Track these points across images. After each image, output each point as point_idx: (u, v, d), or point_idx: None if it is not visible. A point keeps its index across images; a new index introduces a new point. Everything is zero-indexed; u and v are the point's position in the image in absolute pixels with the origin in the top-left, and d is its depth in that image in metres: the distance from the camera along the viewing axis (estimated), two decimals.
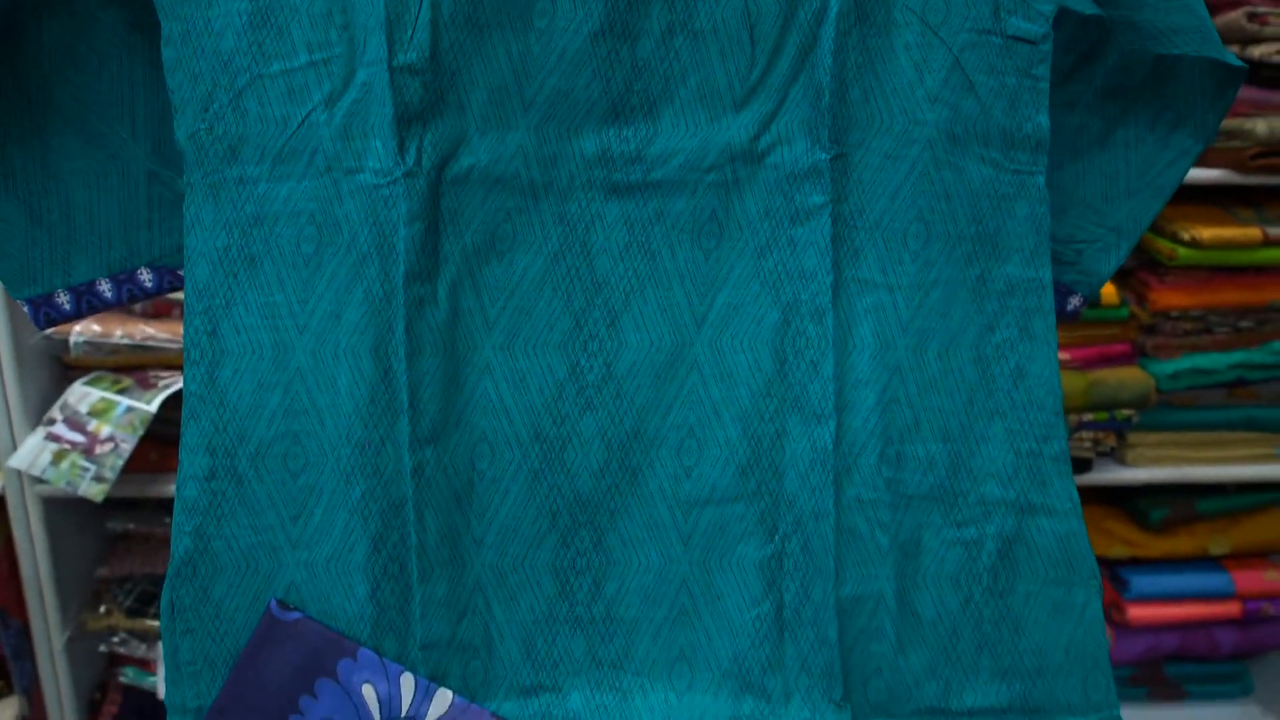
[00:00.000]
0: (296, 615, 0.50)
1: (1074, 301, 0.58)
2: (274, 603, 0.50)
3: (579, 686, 0.50)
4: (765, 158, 0.48)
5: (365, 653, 0.49)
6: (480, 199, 0.49)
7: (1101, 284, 0.58)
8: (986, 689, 0.48)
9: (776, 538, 0.49)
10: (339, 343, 0.49)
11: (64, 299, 0.55)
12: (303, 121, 0.48)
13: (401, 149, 0.47)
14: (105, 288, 0.56)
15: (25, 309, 0.55)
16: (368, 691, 0.49)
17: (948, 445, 0.49)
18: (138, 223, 0.56)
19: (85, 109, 0.54)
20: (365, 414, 0.49)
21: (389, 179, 0.47)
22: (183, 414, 0.50)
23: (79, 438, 0.95)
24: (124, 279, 0.56)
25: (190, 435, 0.50)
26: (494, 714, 0.49)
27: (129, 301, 0.58)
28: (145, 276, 0.57)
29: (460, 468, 0.50)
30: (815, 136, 0.47)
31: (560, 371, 0.50)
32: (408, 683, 0.49)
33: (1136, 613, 1.21)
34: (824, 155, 0.47)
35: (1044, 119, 0.48)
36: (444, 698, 0.49)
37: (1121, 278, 1.13)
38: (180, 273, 0.58)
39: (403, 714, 0.49)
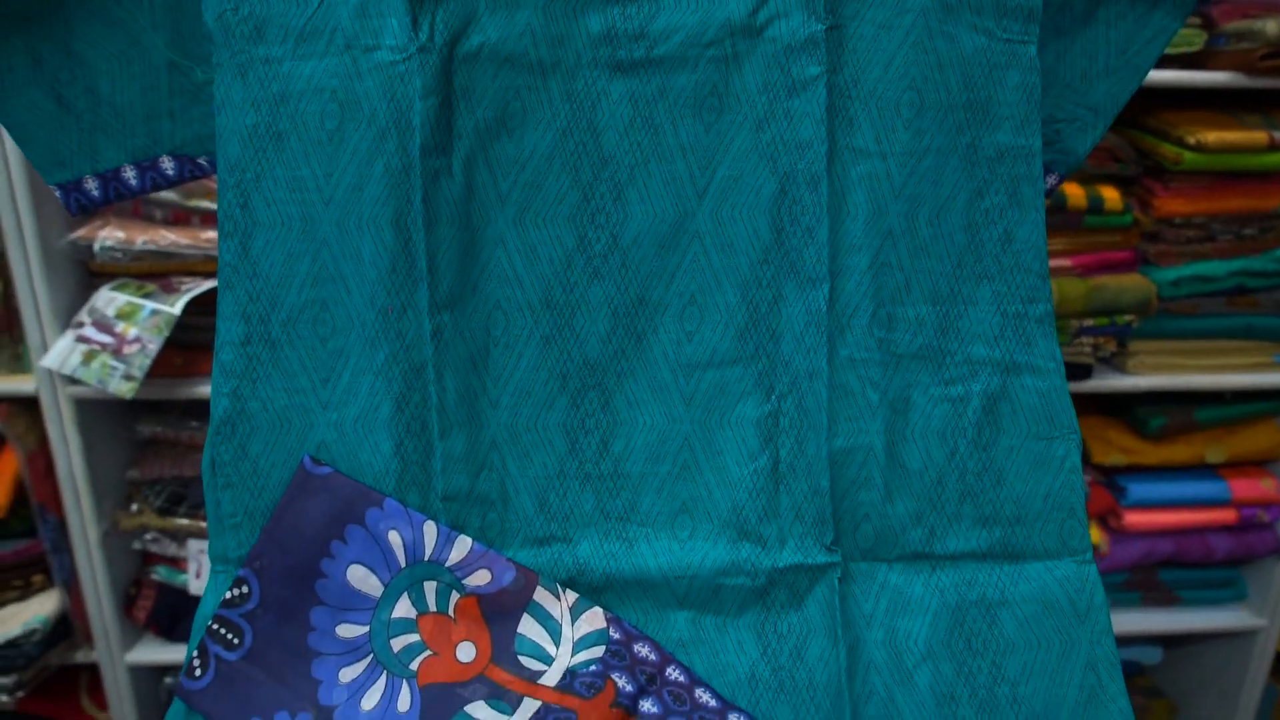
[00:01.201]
0: (327, 470, 0.54)
1: (1050, 180, 0.60)
2: (307, 459, 0.54)
3: (588, 537, 0.54)
4: (763, 31, 0.50)
5: (391, 503, 0.53)
6: (491, 76, 0.51)
7: (1079, 163, 0.60)
8: (968, 535, 0.52)
9: (773, 397, 0.52)
10: (361, 214, 0.51)
11: (92, 185, 0.58)
12: (322, 1, 0.50)
13: (415, 26, 0.49)
14: (130, 174, 0.58)
15: (57, 194, 0.58)
16: (394, 537, 0.53)
17: (937, 307, 0.51)
18: (159, 112, 0.57)
19: None
20: (387, 281, 0.52)
21: (404, 55, 0.49)
22: (218, 283, 0.53)
23: (107, 339, 0.99)
24: (147, 166, 0.59)
25: (226, 303, 0.53)
26: (510, 559, 0.53)
27: (152, 189, 0.60)
28: (167, 164, 0.59)
29: (476, 333, 0.53)
30: (811, 8, 0.49)
31: (569, 242, 0.52)
32: (430, 530, 0.53)
33: (1133, 519, 1.25)
34: (819, 26, 0.49)
35: None
36: (464, 544, 0.53)
37: (1126, 184, 1.13)
38: (200, 161, 0.60)
39: (426, 557, 0.53)
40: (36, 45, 0.55)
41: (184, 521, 1.13)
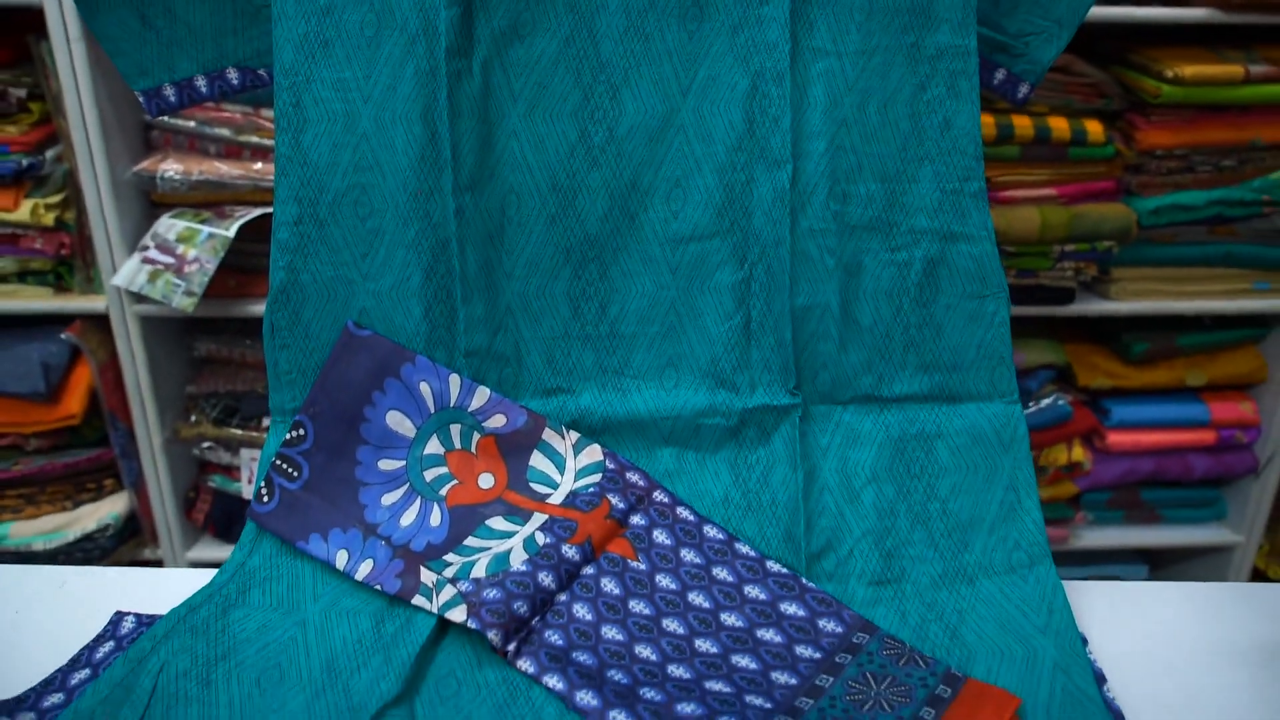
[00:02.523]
0: (368, 332, 0.64)
1: (1023, 89, 0.68)
2: (350, 323, 0.64)
3: (589, 388, 0.63)
4: None
5: (422, 359, 0.63)
6: None
7: (1044, 71, 0.67)
8: (912, 380, 0.60)
9: (746, 265, 0.61)
10: (395, 110, 0.61)
11: (169, 91, 0.68)
12: None
13: None
14: (201, 83, 0.68)
15: (140, 99, 0.68)
16: (424, 388, 0.63)
17: (885, 185, 0.60)
18: (225, 30, 0.67)
19: None
20: (417, 168, 0.61)
21: None
22: (275, 173, 0.63)
23: (169, 259, 1.10)
24: (215, 76, 0.68)
25: (281, 189, 0.63)
26: (523, 406, 0.63)
27: (220, 97, 0.70)
28: (232, 75, 0.68)
29: (493, 212, 0.62)
30: None
31: (572, 135, 0.62)
32: (455, 382, 0.63)
33: (1116, 439, 1.32)
34: None
35: None
36: (483, 393, 0.63)
37: (1109, 118, 1.20)
38: (260, 72, 0.69)
39: (451, 404, 0.63)
40: None
41: (237, 431, 1.24)
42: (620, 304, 0.63)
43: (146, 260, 1.11)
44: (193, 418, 1.25)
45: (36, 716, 0.47)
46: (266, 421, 1.25)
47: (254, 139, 1.13)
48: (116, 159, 1.11)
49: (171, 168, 1.12)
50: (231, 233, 1.09)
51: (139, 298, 1.14)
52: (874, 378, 0.61)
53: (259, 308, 1.16)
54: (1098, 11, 1.10)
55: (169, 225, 1.13)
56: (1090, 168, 1.19)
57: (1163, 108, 1.17)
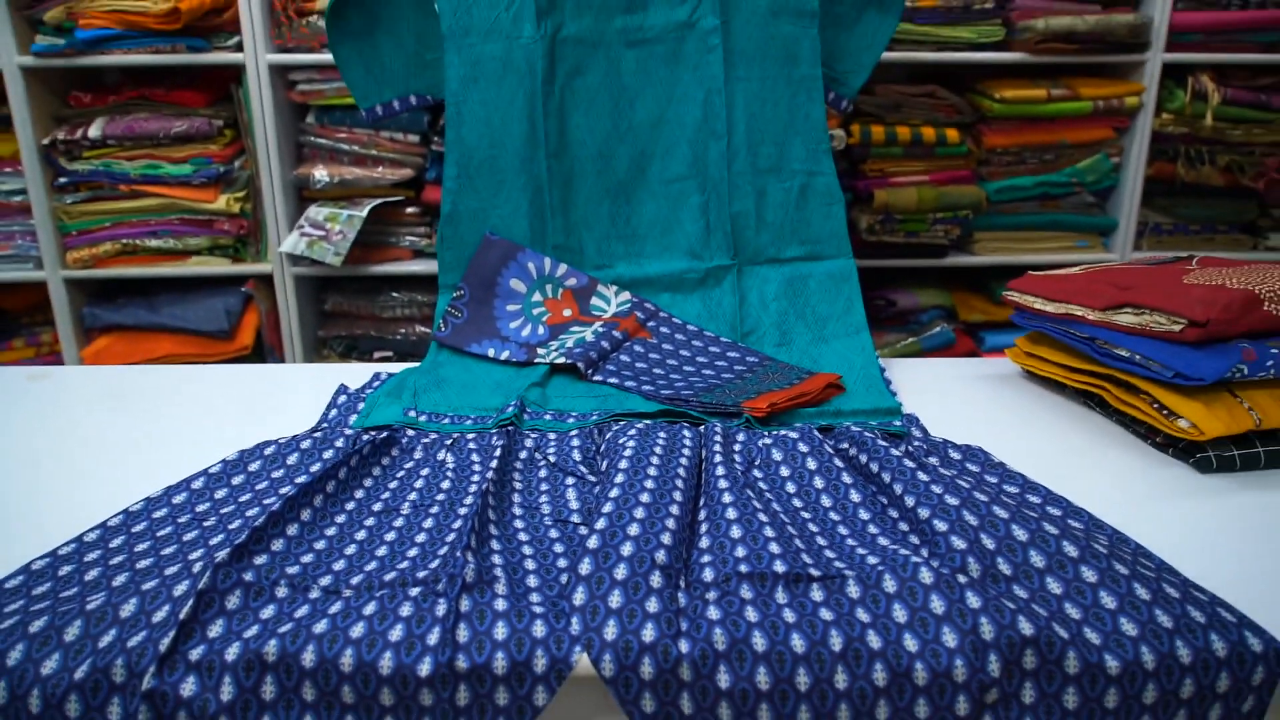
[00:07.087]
0: (497, 238, 1.14)
1: (845, 104, 1.20)
2: (487, 233, 1.15)
3: (621, 264, 1.14)
4: (696, 24, 1.11)
5: (529, 250, 1.14)
6: (572, 47, 1.12)
7: (855, 94, 1.20)
8: (796, 250, 1.12)
9: (705, 193, 1.13)
10: (512, 114, 1.12)
11: (379, 109, 1.20)
12: (496, 17, 1.12)
13: (538, 25, 1.11)
14: (396, 104, 1.20)
15: (363, 114, 1.20)
16: (530, 266, 1.14)
17: (777, 147, 1.11)
18: (409, 74, 1.19)
19: (392, 15, 1.17)
20: (525, 147, 1.13)
21: (533, 39, 1.11)
22: (445, 148, 1.15)
23: (321, 233, 1.60)
24: (403, 99, 1.20)
25: (449, 159, 1.14)
26: (585, 274, 1.14)
27: (404, 111, 1.22)
28: (412, 99, 1.20)
29: (566, 170, 1.14)
30: (714, 11, 1.10)
31: (608, 126, 1.14)
32: (547, 262, 1.14)
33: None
34: (716, 21, 1.10)
35: None
36: (563, 267, 1.14)
37: (964, 127, 1.73)
38: (427, 98, 1.22)
39: (546, 274, 1.14)
40: (358, 32, 1.17)
41: (357, 364, 1.73)
42: (638, 218, 1.14)
43: (304, 235, 1.62)
44: (323, 352, 1.75)
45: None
46: (377, 354, 1.75)
47: (374, 152, 1.65)
48: (284, 166, 1.63)
49: (319, 171, 1.64)
50: (364, 213, 1.60)
51: (294, 262, 1.64)
52: (775, 249, 1.12)
53: (378, 268, 1.66)
54: (955, 55, 1.64)
55: (317, 211, 1.64)
56: (952, 161, 1.72)
57: (997, 119, 1.70)
